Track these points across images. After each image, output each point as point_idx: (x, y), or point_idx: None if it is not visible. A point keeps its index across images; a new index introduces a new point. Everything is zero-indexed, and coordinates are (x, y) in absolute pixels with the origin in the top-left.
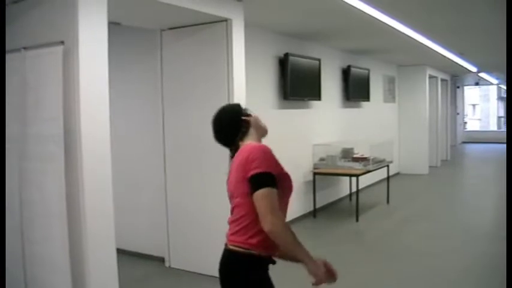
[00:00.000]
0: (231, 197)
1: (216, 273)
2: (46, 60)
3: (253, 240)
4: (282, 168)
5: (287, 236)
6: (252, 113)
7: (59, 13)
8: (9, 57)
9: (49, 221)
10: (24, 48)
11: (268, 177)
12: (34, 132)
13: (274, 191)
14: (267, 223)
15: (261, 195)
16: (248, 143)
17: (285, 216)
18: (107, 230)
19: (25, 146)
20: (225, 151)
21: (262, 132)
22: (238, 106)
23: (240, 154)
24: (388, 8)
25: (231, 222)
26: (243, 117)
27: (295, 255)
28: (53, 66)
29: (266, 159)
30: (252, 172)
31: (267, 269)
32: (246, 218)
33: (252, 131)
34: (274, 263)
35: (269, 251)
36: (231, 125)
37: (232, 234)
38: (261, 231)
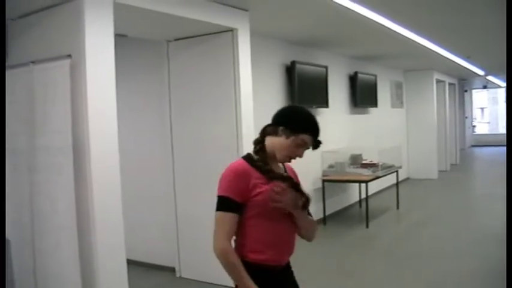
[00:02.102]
0: None
1: (226, 283)
2: (54, 74)
3: (243, 250)
4: (255, 187)
5: (223, 265)
6: (303, 141)
7: (65, 27)
8: (17, 71)
9: (59, 233)
10: (32, 62)
11: (223, 201)
12: (43, 144)
13: (225, 215)
14: (213, 245)
15: (215, 218)
16: (247, 153)
17: (282, 226)
18: (117, 241)
19: (34, 158)
20: None
21: (282, 158)
22: (303, 119)
23: None
24: (394, 14)
25: None
26: (283, 128)
27: (235, 282)
28: (61, 80)
29: (228, 181)
30: (217, 193)
31: (267, 277)
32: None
33: (274, 142)
34: (278, 270)
35: (264, 260)
36: (277, 118)
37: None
38: (242, 244)
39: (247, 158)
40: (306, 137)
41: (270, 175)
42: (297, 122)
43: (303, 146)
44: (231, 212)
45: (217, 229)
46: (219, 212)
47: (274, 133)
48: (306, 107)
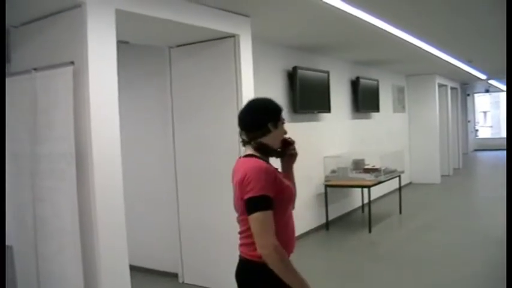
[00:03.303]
0: (236, 210)
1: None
2: (56, 81)
3: (256, 252)
4: (281, 183)
5: (277, 261)
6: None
7: (68, 34)
8: (20, 79)
9: (62, 238)
10: (35, 69)
11: (262, 200)
12: (46, 151)
13: (267, 213)
14: (258, 247)
15: (254, 219)
16: (248, 153)
17: (290, 221)
18: (120, 246)
19: (37, 164)
20: None
21: (274, 146)
22: (274, 106)
23: (239, 171)
24: (395, 19)
25: (239, 233)
26: (269, 124)
27: (287, 281)
28: (64, 86)
29: (260, 180)
30: (247, 195)
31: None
32: (248, 232)
33: (269, 138)
34: None
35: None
36: (253, 121)
37: (240, 245)
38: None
39: (257, 157)
40: (282, 116)
41: (284, 152)
42: (273, 111)
43: (283, 124)
44: (270, 209)
45: (263, 228)
46: (259, 213)
47: (263, 134)
48: (308, 112)
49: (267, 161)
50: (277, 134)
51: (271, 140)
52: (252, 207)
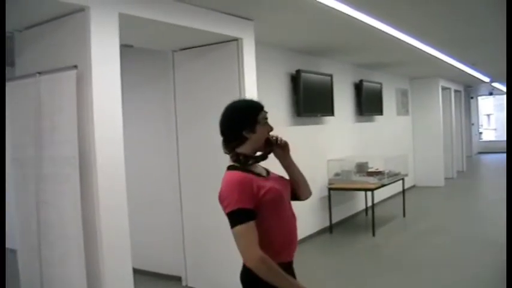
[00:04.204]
0: None
1: None
2: (60, 85)
3: None
4: (260, 188)
5: (265, 272)
6: (265, 124)
7: (71, 38)
8: (24, 82)
9: (66, 242)
10: (39, 73)
11: (238, 214)
12: (50, 154)
13: (247, 225)
14: (244, 260)
15: (235, 233)
16: (230, 165)
17: (289, 222)
18: (124, 250)
19: (41, 168)
20: None
21: (259, 148)
22: (248, 110)
23: (221, 184)
24: (398, 22)
25: None
26: (244, 132)
27: (278, 286)
28: (67, 90)
29: (234, 194)
30: (225, 211)
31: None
32: None
33: (249, 144)
34: (288, 267)
35: (280, 260)
36: (228, 132)
37: None
38: (268, 243)
39: (235, 167)
40: (261, 115)
41: (266, 155)
42: (246, 116)
43: (266, 122)
44: (249, 221)
45: (244, 241)
46: (238, 226)
47: (240, 142)
48: (312, 116)
49: (250, 169)
50: (258, 137)
51: (252, 145)
52: (231, 222)
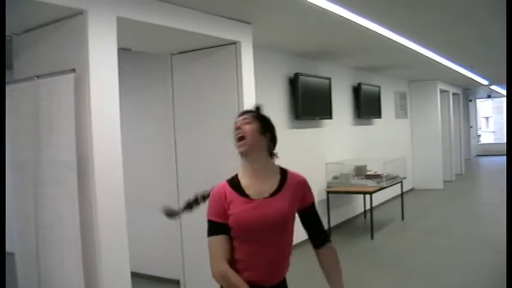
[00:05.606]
0: None
1: None
2: (58, 88)
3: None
4: (227, 209)
5: (224, 285)
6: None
7: (69, 41)
8: (22, 86)
9: (64, 245)
10: (37, 76)
11: (209, 225)
12: (48, 158)
13: (212, 239)
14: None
15: (207, 243)
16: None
17: (262, 252)
18: (121, 253)
19: (39, 171)
20: None
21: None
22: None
23: None
24: (396, 25)
25: None
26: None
27: None
28: (65, 94)
29: (209, 205)
30: None
31: None
32: None
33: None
34: None
35: (248, 277)
36: None
37: None
38: (233, 260)
39: (230, 179)
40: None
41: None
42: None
43: (235, 129)
44: (218, 234)
45: (210, 254)
46: (208, 237)
47: None
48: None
49: (236, 184)
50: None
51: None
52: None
